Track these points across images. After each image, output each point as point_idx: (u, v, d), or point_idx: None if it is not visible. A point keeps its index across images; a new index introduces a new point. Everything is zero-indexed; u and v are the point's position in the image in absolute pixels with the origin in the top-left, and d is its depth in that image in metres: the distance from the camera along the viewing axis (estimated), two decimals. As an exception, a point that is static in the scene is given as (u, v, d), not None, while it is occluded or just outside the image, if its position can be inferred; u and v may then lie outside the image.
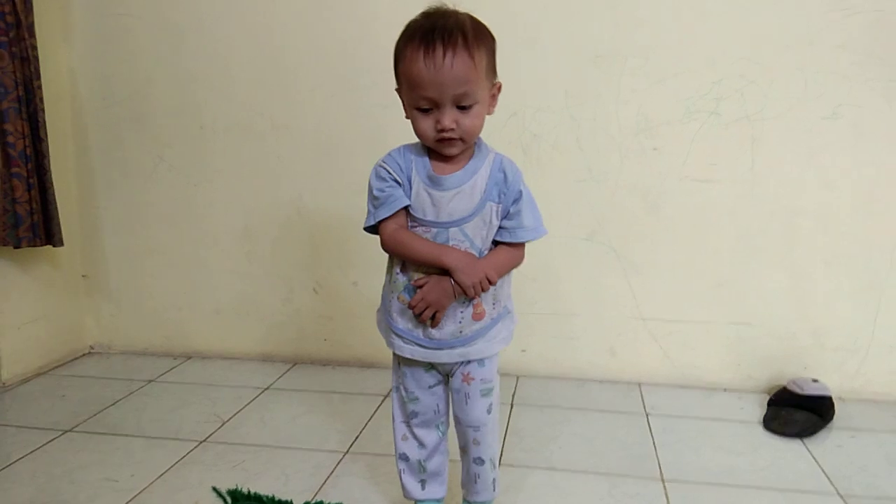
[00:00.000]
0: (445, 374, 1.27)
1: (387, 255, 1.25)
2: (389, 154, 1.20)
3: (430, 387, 1.27)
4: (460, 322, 1.19)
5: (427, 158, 1.18)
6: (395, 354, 1.27)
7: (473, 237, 1.16)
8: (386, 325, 1.26)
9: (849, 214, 1.95)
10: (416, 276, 1.18)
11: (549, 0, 1.98)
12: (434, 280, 1.16)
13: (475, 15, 1.16)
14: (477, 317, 1.20)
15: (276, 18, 2.14)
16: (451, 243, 1.16)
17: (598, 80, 1.99)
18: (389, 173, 1.17)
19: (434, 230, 1.16)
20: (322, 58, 2.13)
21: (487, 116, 1.17)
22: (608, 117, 2.00)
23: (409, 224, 1.18)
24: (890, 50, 1.85)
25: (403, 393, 1.29)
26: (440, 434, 1.32)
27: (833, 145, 1.92)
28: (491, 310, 1.21)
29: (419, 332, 1.21)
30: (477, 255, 1.17)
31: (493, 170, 1.17)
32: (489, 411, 1.27)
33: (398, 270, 1.21)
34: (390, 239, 1.19)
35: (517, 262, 1.22)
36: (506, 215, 1.17)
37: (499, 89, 1.18)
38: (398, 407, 1.31)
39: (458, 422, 1.28)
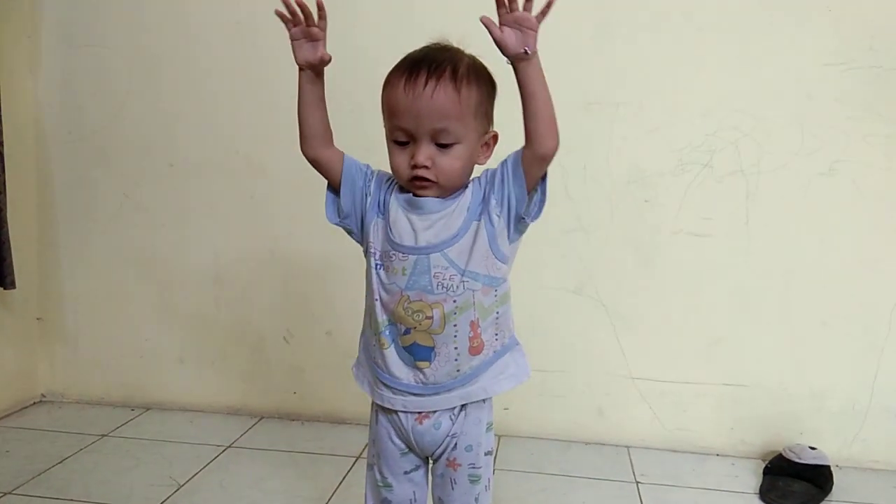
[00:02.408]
0: (426, 456, 1.14)
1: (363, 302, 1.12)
2: (377, 173, 1.12)
3: (405, 472, 1.13)
4: (456, 360, 1.04)
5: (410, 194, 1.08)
6: (371, 429, 1.14)
7: (458, 261, 1.03)
8: (372, 376, 1.11)
9: (846, 273, 1.87)
10: (403, 324, 1.04)
11: (540, 44, 1.91)
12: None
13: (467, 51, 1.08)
14: (474, 351, 1.05)
15: (256, 52, 2.06)
16: (433, 271, 1.03)
17: (589, 128, 1.92)
18: (372, 173, 1.10)
19: (412, 257, 1.04)
20: (301, 97, 2.04)
21: (478, 166, 1.07)
22: (598, 166, 1.93)
23: (385, 250, 1.06)
24: (889, 106, 1.80)
25: (377, 476, 1.14)
26: None
27: (830, 201, 1.86)
28: (493, 340, 1.07)
29: (411, 379, 1.06)
30: (460, 275, 1.03)
31: (475, 187, 1.06)
32: (477, 500, 1.12)
33: (375, 308, 1.07)
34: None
35: (552, 108, 1.04)
36: (498, 199, 1.04)
37: (494, 139, 1.08)
38: (370, 489, 1.17)
39: None
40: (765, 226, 1.89)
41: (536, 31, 0.96)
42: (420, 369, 1.05)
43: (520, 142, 1.04)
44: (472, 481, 1.11)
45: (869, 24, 1.79)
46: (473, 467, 1.11)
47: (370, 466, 1.16)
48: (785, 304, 1.90)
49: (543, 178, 1.04)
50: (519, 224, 1.07)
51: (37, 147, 2.19)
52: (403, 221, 1.05)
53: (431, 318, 1.03)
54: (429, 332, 1.04)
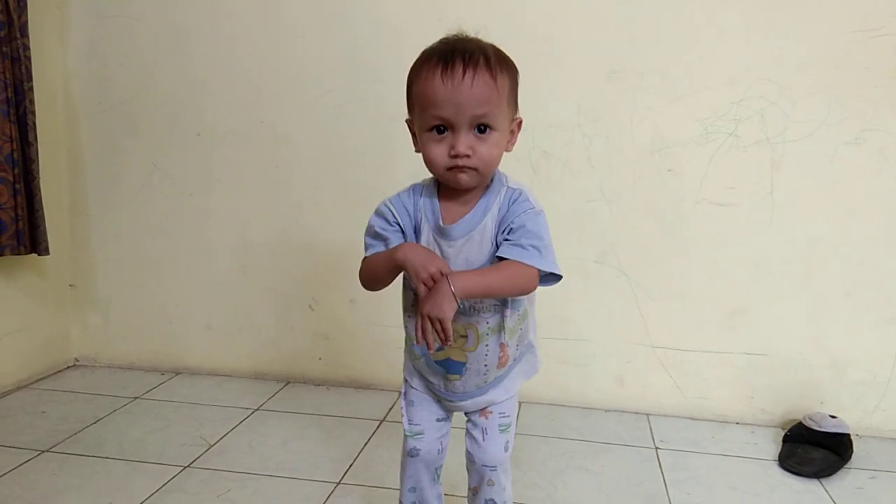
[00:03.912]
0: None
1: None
2: (398, 195, 1.11)
3: (438, 420, 1.18)
4: (485, 375, 1.11)
5: (437, 201, 1.08)
6: (404, 386, 1.20)
7: None
8: (409, 371, 1.19)
9: (871, 243, 1.86)
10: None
11: (563, 12, 1.91)
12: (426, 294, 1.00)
13: (487, 25, 1.09)
14: (502, 364, 1.11)
15: (282, 22, 2.07)
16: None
17: (613, 97, 1.92)
18: (394, 216, 1.09)
19: None
20: (328, 65, 2.06)
21: (505, 153, 1.07)
22: (622, 135, 1.92)
23: None
24: (919, 73, 1.78)
25: (408, 425, 1.18)
26: (435, 476, 1.21)
27: (856, 171, 1.84)
28: (514, 351, 1.13)
29: (441, 386, 1.13)
30: (494, 303, 1.07)
31: (502, 207, 1.06)
32: (506, 449, 1.17)
33: (408, 324, 1.13)
34: (362, 268, 1.11)
35: (519, 281, 1.02)
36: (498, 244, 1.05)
37: (519, 125, 1.09)
38: (403, 444, 1.21)
39: (471, 461, 1.18)
40: (790, 195, 1.88)
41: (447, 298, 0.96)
42: (451, 380, 1.11)
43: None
44: (501, 430, 1.15)
45: (900, -11, 1.76)
46: (503, 415, 1.15)
47: (403, 417, 1.19)
48: (808, 273, 1.90)
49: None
50: None
51: (67, 117, 2.23)
52: (434, 248, 1.07)
53: (466, 336, 1.08)
54: (463, 350, 1.09)
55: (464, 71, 0.98)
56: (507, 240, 1.03)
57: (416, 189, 1.11)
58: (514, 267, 1.01)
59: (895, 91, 1.79)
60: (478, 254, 1.05)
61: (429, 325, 0.96)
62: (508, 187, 1.07)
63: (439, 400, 1.17)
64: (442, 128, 1.01)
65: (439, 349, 1.06)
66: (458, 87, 0.98)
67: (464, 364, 1.10)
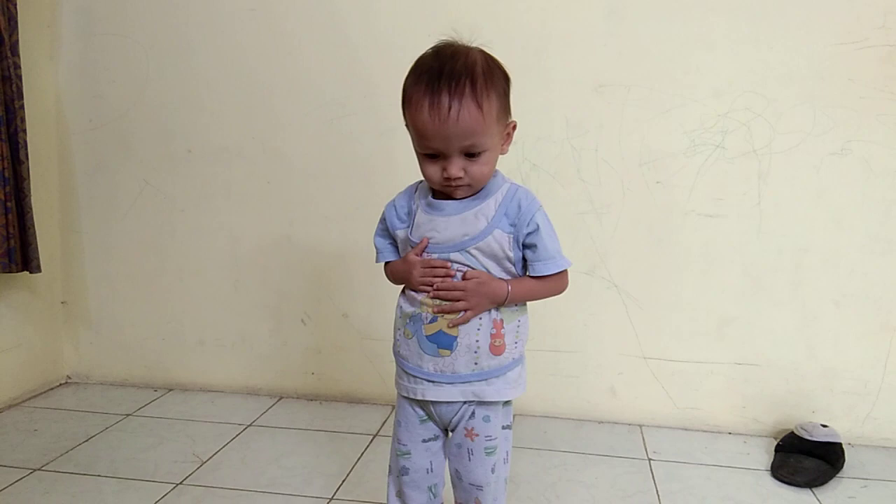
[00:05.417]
0: (444, 427, 1.18)
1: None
2: (400, 193, 1.18)
3: (423, 441, 1.17)
4: (476, 352, 1.09)
5: (431, 190, 1.13)
6: (397, 399, 1.19)
7: (475, 261, 1.08)
8: (398, 370, 1.17)
9: (859, 253, 1.88)
10: (424, 308, 1.10)
11: (550, 26, 1.93)
12: (478, 281, 1.07)
13: (475, 40, 1.10)
14: (495, 350, 1.09)
15: (273, 38, 2.08)
16: (454, 266, 1.08)
17: (601, 110, 1.93)
18: (383, 214, 1.19)
19: (435, 255, 1.09)
20: (319, 80, 2.07)
21: (501, 156, 1.11)
22: (610, 148, 1.94)
23: (410, 248, 1.13)
24: (902, 85, 1.80)
25: (396, 445, 1.19)
26: (431, 496, 1.21)
27: (843, 181, 1.86)
28: (512, 347, 1.11)
29: (431, 367, 1.10)
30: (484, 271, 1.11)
31: (506, 199, 1.09)
32: (493, 471, 1.16)
33: (401, 302, 1.15)
34: (385, 271, 1.21)
35: (549, 291, 1.15)
36: (522, 247, 1.10)
37: (513, 128, 1.11)
38: (392, 458, 1.21)
39: (457, 478, 1.18)
40: (777, 206, 1.89)
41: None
42: (442, 357, 1.10)
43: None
44: (487, 453, 1.15)
45: (881, 1, 1.78)
46: (490, 439, 1.14)
47: (393, 436, 1.20)
48: (797, 283, 1.91)
49: None
50: None
51: (58, 134, 2.24)
52: (425, 223, 1.11)
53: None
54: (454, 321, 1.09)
55: (449, 105, 1.00)
56: (528, 248, 1.10)
57: (413, 186, 1.18)
58: (541, 282, 1.13)
59: (879, 102, 1.81)
60: (467, 232, 1.08)
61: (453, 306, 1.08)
62: (512, 184, 1.13)
63: (425, 420, 1.17)
64: (434, 154, 1.05)
65: (432, 321, 1.09)
66: (444, 122, 1.00)
67: (455, 338, 1.09)
